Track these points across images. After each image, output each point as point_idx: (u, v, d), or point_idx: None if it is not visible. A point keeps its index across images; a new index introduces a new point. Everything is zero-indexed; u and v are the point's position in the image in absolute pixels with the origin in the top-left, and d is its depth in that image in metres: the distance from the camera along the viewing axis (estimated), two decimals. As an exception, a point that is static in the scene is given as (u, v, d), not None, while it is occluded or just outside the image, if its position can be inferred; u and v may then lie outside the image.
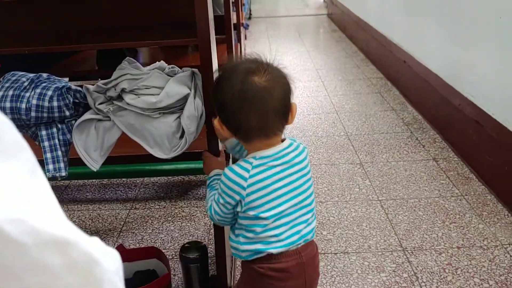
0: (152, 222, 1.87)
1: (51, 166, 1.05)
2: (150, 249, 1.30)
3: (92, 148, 1.09)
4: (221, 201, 0.96)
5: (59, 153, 1.06)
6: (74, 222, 1.85)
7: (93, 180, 2.18)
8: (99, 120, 1.08)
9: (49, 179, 1.08)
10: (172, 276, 1.57)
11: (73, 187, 2.17)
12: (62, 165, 1.07)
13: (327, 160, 2.32)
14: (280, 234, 0.96)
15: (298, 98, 3.19)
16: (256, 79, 0.91)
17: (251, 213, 0.94)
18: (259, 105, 0.91)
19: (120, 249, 1.29)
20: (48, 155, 1.06)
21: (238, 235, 0.99)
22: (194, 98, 1.05)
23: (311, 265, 1.01)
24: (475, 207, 1.89)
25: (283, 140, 0.99)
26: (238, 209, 0.95)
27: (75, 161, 1.12)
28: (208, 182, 1.08)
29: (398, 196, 1.99)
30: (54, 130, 1.07)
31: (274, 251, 0.96)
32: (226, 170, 0.95)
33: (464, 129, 2.22)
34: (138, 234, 1.80)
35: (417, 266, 1.58)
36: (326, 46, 4.79)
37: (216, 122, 0.97)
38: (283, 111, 0.95)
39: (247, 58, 0.97)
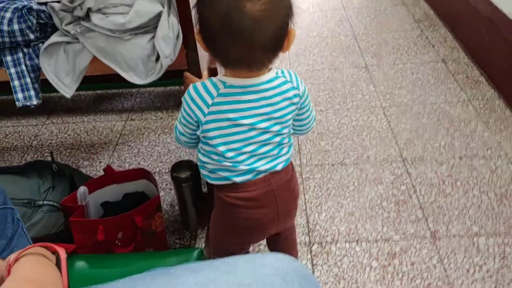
0: (148, 134, 1.84)
1: (20, 95, 0.99)
2: (138, 171, 1.28)
3: (63, 72, 1.01)
4: (184, 115, 0.89)
5: (28, 80, 0.99)
6: (69, 135, 1.84)
7: (88, 91, 2.12)
8: (68, 42, 0.99)
9: (20, 108, 1.03)
10: (169, 190, 1.57)
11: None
12: (32, 92, 1.00)
13: (330, 64, 2.20)
14: (239, 165, 0.90)
15: (303, -8, 2.98)
16: (249, 5, 0.76)
17: (210, 141, 0.88)
18: (246, 38, 0.78)
19: (109, 170, 1.27)
20: (16, 82, 0.98)
21: (202, 160, 0.94)
22: (169, 15, 0.94)
23: (284, 190, 0.97)
24: (482, 114, 1.81)
25: (270, 70, 0.89)
26: (198, 132, 0.89)
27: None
28: None
29: (402, 102, 1.90)
30: (20, 55, 0.98)
31: (237, 179, 0.92)
32: (190, 87, 0.87)
33: (477, 28, 2.06)
34: (134, 147, 1.78)
35: (416, 178, 1.55)
36: None
37: (196, 35, 0.86)
38: (275, 45, 0.82)
39: None
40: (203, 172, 0.97)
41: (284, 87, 0.89)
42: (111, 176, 1.28)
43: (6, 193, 0.90)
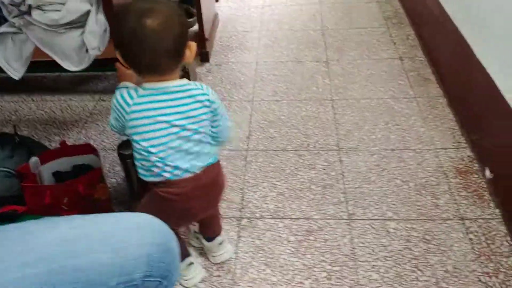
0: (116, 114, 2.02)
1: (-27, 76, 1.17)
2: (87, 146, 1.45)
3: (12, 58, 1.19)
4: (114, 115, 1.06)
5: (-19, 63, 1.17)
6: (45, 112, 2.02)
7: (68, 73, 2.30)
8: (15, 32, 1.16)
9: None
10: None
11: (50, 78, 2.30)
12: (-16, 74, 1.18)
13: (294, 57, 2.35)
14: (166, 161, 1.06)
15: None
16: (148, 22, 0.96)
17: (135, 137, 1.05)
18: (150, 47, 0.97)
19: (63, 144, 1.45)
20: (-29, 65, 1.16)
21: (137, 158, 1.10)
22: (97, 13, 1.11)
23: (212, 186, 1.15)
24: (423, 110, 1.94)
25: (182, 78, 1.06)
26: (126, 131, 1.06)
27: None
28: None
29: (351, 96, 2.05)
30: (-25, 41, 1.16)
31: (168, 175, 1.08)
32: (116, 93, 1.04)
33: (436, 26, 2.18)
34: (101, 125, 1.96)
35: (347, 166, 1.70)
36: None
37: (116, 52, 1.03)
38: (177, 51, 1.01)
39: None
40: (140, 171, 1.12)
41: (194, 92, 1.07)
42: (63, 149, 1.46)
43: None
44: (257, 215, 1.55)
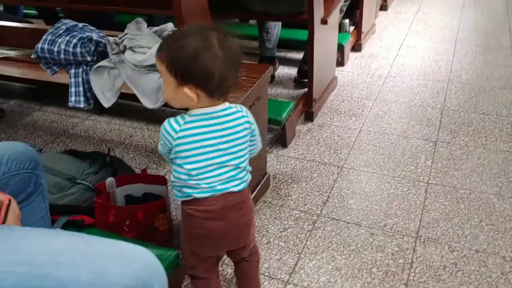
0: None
1: (72, 98, 1.36)
2: (161, 178, 1.56)
3: (106, 88, 1.35)
4: (161, 142, 1.13)
5: (81, 89, 1.36)
6: (154, 142, 2.22)
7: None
8: (112, 67, 1.33)
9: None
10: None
11: (168, 112, 2.53)
12: (82, 98, 1.36)
13: (402, 132, 2.24)
14: (202, 184, 1.11)
15: (419, 58, 3.02)
16: (226, 45, 1.04)
17: (178, 161, 1.10)
18: (227, 71, 1.05)
19: (143, 172, 1.58)
20: (72, 89, 1.36)
21: (172, 180, 1.16)
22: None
23: (237, 210, 1.16)
24: (531, 216, 1.70)
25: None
26: (171, 156, 1.12)
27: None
28: None
29: (450, 184, 1.88)
30: (80, 70, 1.35)
31: (198, 195, 1.12)
32: (165, 122, 1.11)
33: None
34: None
35: (419, 257, 1.55)
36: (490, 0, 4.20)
37: (189, 91, 1.09)
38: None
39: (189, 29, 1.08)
40: (173, 191, 1.20)
41: (237, 115, 1.12)
42: (141, 176, 1.60)
43: (39, 163, 1.25)
44: (305, 284, 1.48)
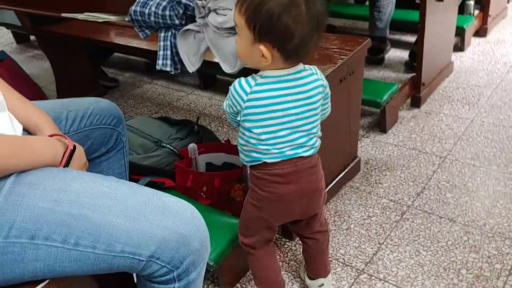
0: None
1: (160, 61, 1.38)
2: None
3: (191, 53, 1.36)
4: (229, 102, 1.09)
5: (168, 52, 1.38)
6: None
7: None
8: (197, 31, 1.33)
9: (158, 71, 1.43)
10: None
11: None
12: (168, 62, 1.38)
13: (522, 125, 1.96)
14: (272, 149, 1.05)
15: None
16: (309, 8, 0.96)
17: (247, 124, 1.06)
18: (309, 32, 0.97)
19: (226, 142, 1.58)
20: (161, 52, 1.38)
21: (240, 143, 1.12)
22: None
23: (308, 174, 1.10)
24: None
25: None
26: (238, 118, 1.08)
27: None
28: None
29: None
30: (169, 33, 1.37)
31: (268, 160, 1.07)
32: (235, 81, 1.06)
33: None
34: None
35: (522, 264, 1.34)
36: None
37: (264, 49, 1.06)
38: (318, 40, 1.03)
39: None
40: (240, 155, 1.16)
41: (311, 78, 1.05)
42: (224, 146, 1.60)
43: (122, 121, 1.29)
44: (381, 276, 1.36)
